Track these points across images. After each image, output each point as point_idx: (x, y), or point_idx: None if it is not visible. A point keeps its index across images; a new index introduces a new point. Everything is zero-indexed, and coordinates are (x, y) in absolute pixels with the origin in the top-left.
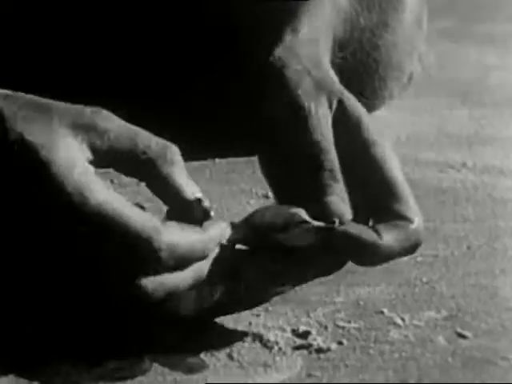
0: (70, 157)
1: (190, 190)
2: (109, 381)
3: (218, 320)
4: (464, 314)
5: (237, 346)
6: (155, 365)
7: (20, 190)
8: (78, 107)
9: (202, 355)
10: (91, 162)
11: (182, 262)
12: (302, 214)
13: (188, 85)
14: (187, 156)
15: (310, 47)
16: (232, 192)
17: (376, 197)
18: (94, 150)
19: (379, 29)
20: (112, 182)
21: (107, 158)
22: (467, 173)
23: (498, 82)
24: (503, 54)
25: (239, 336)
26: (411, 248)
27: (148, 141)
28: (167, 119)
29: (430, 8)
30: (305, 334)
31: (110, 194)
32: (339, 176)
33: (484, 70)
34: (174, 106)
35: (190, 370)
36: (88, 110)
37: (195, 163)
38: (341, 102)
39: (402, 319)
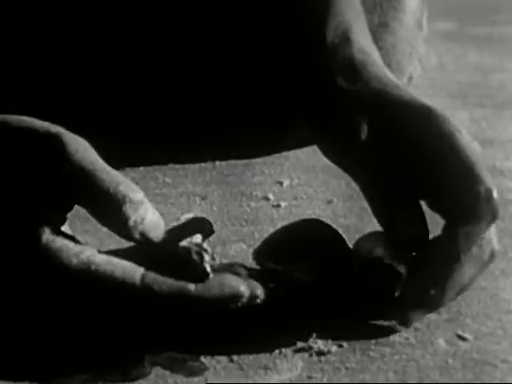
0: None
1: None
2: None
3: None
4: (464, 316)
5: (237, 348)
6: (156, 367)
7: None
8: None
9: (203, 358)
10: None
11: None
12: None
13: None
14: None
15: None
16: (232, 194)
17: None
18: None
19: (379, 30)
20: None
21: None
22: None
23: (498, 84)
24: (503, 56)
25: (240, 338)
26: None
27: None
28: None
29: (431, 10)
30: (305, 337)
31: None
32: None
33: (484, 72)
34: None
35: (191, 372)
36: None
37: (195, 166)
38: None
39: (403, 321)
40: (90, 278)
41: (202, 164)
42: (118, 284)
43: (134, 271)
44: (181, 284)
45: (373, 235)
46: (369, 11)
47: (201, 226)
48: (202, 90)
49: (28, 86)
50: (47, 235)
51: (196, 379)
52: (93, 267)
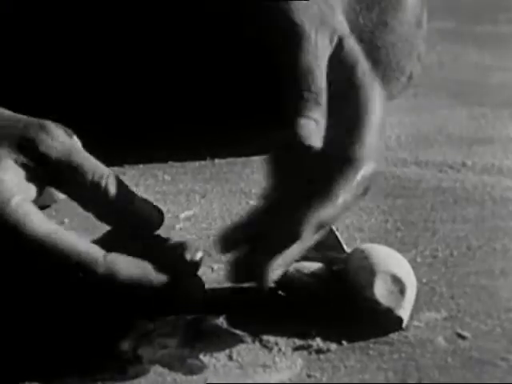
0: (8, 188)
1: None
2: (109, 382)
3: (218, 320)
4: (464, 314)
5: (236, 346)
6: (154, 366)
7: None
8: (25, 121)
9: (202, 356)
10: (31, 181)
11: (122, 288)
12: None
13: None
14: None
15: None
16: (231, 192)
17: (348, 136)
18: (31, 173)
19: (379, 29)
20: None
21: (46, 181)
22: (467, 173)
23: (498, 83)
24: (503, 55)
25: (239, 336)
26: (362, 194)
27: (88, 171)
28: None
29: (430, 9)
30: (304, 335)
31: (49, 226)
32: (323, 102)
33: (484, 71)
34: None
35: (190, 370)
36: (32, 127)
37: (194, 163)
38: (341, 41)
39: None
40: (52, 247)
41: (202, 162)
42: (80, 257)
43: (98, 250)
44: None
45: None
46: (367, 9)
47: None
48: (198, 89)
49: (24, 85)
50: (17, 200)
51: (195, 377)
52: (57, 236)
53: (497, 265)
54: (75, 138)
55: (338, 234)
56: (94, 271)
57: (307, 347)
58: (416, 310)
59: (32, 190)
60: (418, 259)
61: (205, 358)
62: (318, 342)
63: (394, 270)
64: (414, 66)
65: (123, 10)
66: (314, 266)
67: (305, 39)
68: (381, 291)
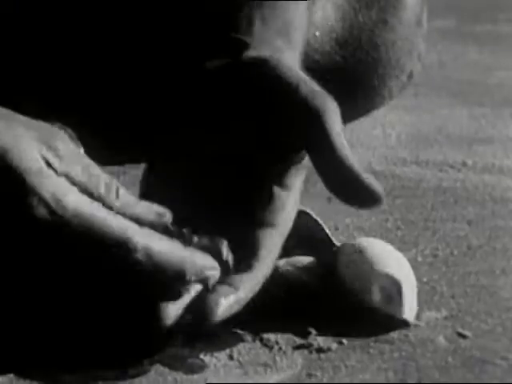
0: (38, 164)
1: (146, 214)
2: (110, 381)
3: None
4: (464, 313)
5: (237, 346)
6: (155, 365)
7: None
8: (42, 124)
9: (202, 355)
10: None
11: (160, 269)
12: None
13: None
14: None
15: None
16: None
17: None
18: (49, 167)
19: (378, 27)
20: None
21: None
22: (467, 172)
23: (498, 82)
24: (503, 54)
25: (239, 336)
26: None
27: (99, 174)
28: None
29: (431, 8)
30: (305, 334)
31: (83, 198)
32: None
33: (484, 70)
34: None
35: (190, 370)
36: (50, 128)
37: None
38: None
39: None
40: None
41: None
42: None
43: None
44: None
45: None
46: (367, 8)
47: None
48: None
49: (26, 85)
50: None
51: (196, 376)
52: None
53: (497, 264)
54: (79, 142)
55: (325, 227)
56: (130, 251)
57: (308, 346)
58: (417, 309)
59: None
60: (419, 258)
61: (205, 357)
62: (318, 342)
63: (390, 270)
64: (415, 64)
65: (121, 17)
66: (305, 260)
67: None
68: (379, 297)
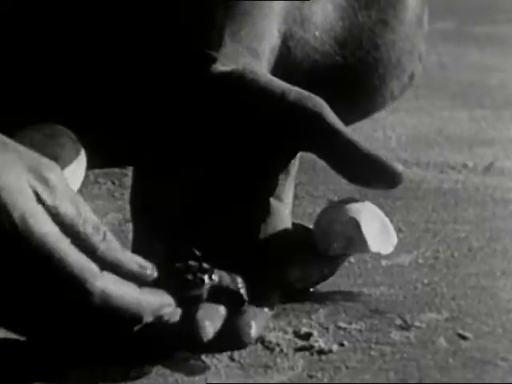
0: (19, 185)
1: (128, 263)
2: (110, 383)
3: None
4: (465, 315)
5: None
6: (156, 366)
7: None
8: (36, 155)
9: (203, 356)
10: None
11: (116, 313)
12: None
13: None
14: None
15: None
16: None
17: None
18: (37, 197)
19: (378, 27)
20: (113, 183)
21: (47, 210)
22: (468, 174)
23: (498, 84)
24: (503, 56)
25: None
26: None
27: (88, 211)
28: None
29: (431, 9)
30: (306, 336)
31: (53, 228)
32: None
33: (484, 72)
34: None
35: (192, 371)
36: (44, 160)
37: None
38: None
39: (404, 320)
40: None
41: None
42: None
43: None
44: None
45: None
46: (366, 7)
47: None
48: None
49: (25, 87)
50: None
51: (197, 378)
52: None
53: (498, 266)
54: (77, 141)
55: (311, 228)
56: (87, 293)
57: (309, 348)
58: (417, 310)
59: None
60: (420, 260)
61: (206, 358)
62: (319, 343)
63: (344, 213)
64: (415, 65)
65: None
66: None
67: None
68: (342, 243)
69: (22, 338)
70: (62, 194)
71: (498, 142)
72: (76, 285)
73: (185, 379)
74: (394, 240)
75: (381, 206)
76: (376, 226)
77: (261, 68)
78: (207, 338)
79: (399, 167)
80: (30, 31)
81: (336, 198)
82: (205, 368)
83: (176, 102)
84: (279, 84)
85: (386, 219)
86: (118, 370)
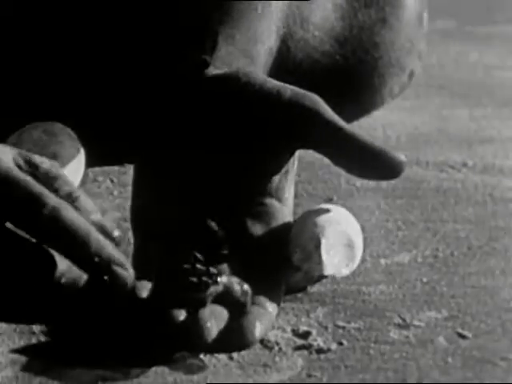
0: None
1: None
2: (109, 382)
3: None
4: (464, 314)
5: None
6: (155, 366)
7: None
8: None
9: (202, 355)
10: None
11: (64, 235)
12: None
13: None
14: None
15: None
16: None
17: None
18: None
19: (378, 26)
20: (112, 181)
21: None
22: (467, 173)
23: (498, 83)
24: (503, 55)
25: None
26: None
27: (64, 183)
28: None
29: (431, 9)
30: (305, 335)
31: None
32: None
33: (484, 71)
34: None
35: (190, 370)
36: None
37: None
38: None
39: (403, 319)
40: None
41: None
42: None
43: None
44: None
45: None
46: (366, 6)
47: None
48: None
49: (25, 86)
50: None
51: (196, 377)
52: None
53: (497, 265)
54: (76, 139)
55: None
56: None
57: (308, 347)
58: (417, 309)
59: None
60: (419, 259)
61: (205, 357)
62: (318, 342)
63: (308, 227)
64: (415, 64)
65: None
66: None
67: None
68: (299, 255)
69: (21, 338)
70: (44, 171)
71: (497, 140)
72: (29, 200)
73: (184, 378)
74: (357, 260)
75: (380, 205)
76: (339, 245)
77: (256, 70)
78: (211, 338)
79: (401, 156)
80: (29, 31)
81: (335, 197)
82: (203, 367)
83: (172, 104)
84: (274, 84)
85: (355, 236)
86: (117, 369)
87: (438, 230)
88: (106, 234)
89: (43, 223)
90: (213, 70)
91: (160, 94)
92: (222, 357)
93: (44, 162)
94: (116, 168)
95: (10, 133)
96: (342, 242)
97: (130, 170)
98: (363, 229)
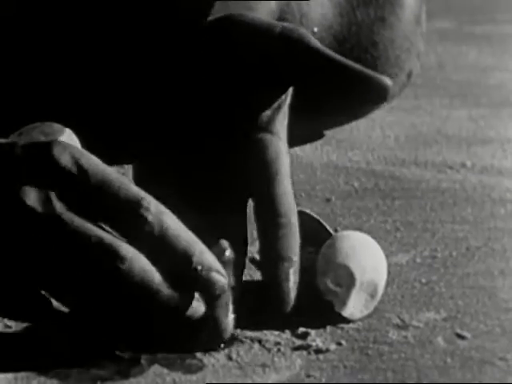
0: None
1: None
2: (108, 382)
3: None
4: (463, 314)
5: (236, 346)
6: (154, 365)
7: None
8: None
9: (201, 356)
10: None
11: (166, 239)
12: None
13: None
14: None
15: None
16: None
17: None
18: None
19: (376, 25)
20: None
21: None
22: (466, 173)
23: (497, 83)
24: (501, 55)
25: (238, 336)
26: None
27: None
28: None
29: (429, 9)
30: (304, 335)
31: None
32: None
33: (482, 71)
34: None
35: (189, 370)
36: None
37: None
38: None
39: (401, 320)
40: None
41: None
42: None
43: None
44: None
45: None
46: (364, 4)
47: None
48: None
49: (23, 86)
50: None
51: (194, 377)
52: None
53: (496, 265)
54: (76, 139)
55: (327, 226)
56: (142, 209)
57: (306, 347)
58: (415, 310)
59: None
60: (418, 260)
61: (204, 357)
62: (317, 342)
63: (349, 263)
64: (414, 63)
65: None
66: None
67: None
68: (329, 284)
69: (21, 339)
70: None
71: (496, 141)
72: (133, 202)
73: (182, 378)
74: (374, 303)
75: (379, 206)
76: (365, 293)
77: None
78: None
79: (386, 79)
80: (29, 30)
81: (333, 198)
82: (202, 367)
83: (173, 70)
84: (263, 20)
85: (381, 286)
86: (116, 369)
87: (437, 230)
88: None
89: (149, 230)
90: (210, 18)
91: (160, 70)
92: (221, 357)
93: (91, 164)
94: (115, 168)
95: (8, 133)
96: (369, 290)
97: (128, 171)
98: (361, 230)
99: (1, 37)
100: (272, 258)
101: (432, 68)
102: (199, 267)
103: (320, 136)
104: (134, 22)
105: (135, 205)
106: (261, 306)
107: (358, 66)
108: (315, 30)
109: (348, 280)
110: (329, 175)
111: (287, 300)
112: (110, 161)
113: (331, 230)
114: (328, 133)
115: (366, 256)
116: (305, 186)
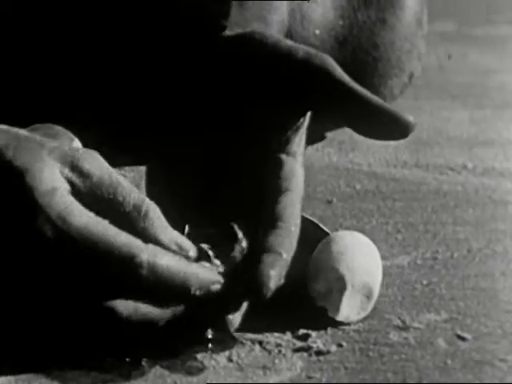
0: (54, 184)
1: (168, 244)
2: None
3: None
4: (464, 316)
5: (236, 348)
6: (155, 367)
7: (3, 213)
8: (68, 147)
9: (202, 357)
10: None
11: (162, 285)
12: None
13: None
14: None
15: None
16: None
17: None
18: (74, 188)
19: (378, 26)
20: None
21: (86, 199)
22: (467, 175)
23: (498, 85)
24: (503, 57)
25: (239, 338)
26: None
27: (127, 193)
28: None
29: (430, 11)
30: (304, 337)
31: (91, 217)
32: None
33: (484, 73)
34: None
35: (190, 372)
36: (78, 150)
37: None
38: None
39: (402, 321)
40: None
41: None
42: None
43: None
44: None
45: None
46: (365, 6)
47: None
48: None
49: (24, 87)
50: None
51: (195, 379)
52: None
53: (497, 267)
54: (78, 142)
55: (327, 230)
56: (135, 267)
57: (307, 349)
58: (416, 311)
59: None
60: (419, 261)
61: (204, 359)
62: (317, 344)
63: (338, 266)
64: (415, 65)
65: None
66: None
67: None
68: (320, 289)
69: (21, 339)
70: (95, 179)
71: (497, 143)
72: (125, 261)
73: (183, 380)
74: (370, 309)
75: (380, 208)
76: (360, 295)
77: (269, 31)
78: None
79: (410, 117)
80: (29, 30)
81: (335, 200)
82: (203, 369)
83: (187, 77)
84: (286, 43)
85: (376, 285)
86: (117, 371)
87: (438, 232)
88: (183, 252)
89: (143, 282)
90: (228, 32)
91: (173, 74)
92: (221, 358)
93: (92, 168)
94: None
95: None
96: (363, 292)
97: (128, 173)
98: (363, 231)
99: (4, 35)
100: (262, 248)
101: (433, 69)
102: (198, 293)
103: (321, 138)
104: (154, 19)
105: (127, 261)
106: (243, 292)
107: (382, 102)
108: (317, 32)
109: (338, 283)
110: (330, 177)
111: (267, 284)
112: (110, 162)
113: (328, 231)
114: (329, 134)
115: (356, 257)
116: (306, 188)
